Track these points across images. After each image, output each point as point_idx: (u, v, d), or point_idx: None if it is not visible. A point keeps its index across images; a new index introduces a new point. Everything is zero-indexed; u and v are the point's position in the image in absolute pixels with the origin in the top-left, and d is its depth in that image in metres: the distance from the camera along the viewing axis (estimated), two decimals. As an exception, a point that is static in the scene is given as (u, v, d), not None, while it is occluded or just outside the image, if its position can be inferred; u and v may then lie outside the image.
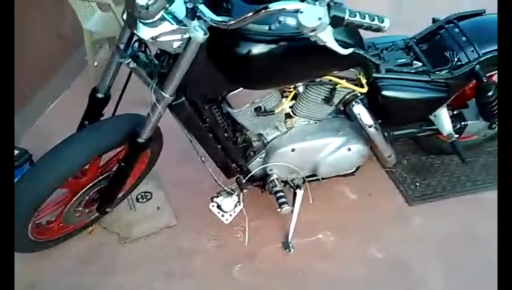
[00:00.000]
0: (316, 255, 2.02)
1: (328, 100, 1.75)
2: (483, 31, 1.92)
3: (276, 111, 1.71)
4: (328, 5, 1.26)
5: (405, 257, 2.00)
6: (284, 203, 1.86)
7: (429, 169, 2.38)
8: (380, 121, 1.90)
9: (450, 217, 2.15)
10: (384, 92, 1.80)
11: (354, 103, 1.80)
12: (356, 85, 1.75)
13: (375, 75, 1.80)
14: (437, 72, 1.86)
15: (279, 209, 1.87)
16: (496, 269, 1.84)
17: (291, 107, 1.80)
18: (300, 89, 1.68)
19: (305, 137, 1.86)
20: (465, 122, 2.09)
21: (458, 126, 2.10)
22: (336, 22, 1.27)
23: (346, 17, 1.28)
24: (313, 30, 1.24)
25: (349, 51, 1.34)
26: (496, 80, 2.00)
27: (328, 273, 1.96)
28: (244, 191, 1.90)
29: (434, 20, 2.04)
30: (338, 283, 1.92)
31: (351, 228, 2.12)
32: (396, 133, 2.00)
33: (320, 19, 1.22)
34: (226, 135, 1.76)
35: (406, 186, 2.30)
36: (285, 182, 2.00)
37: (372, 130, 1.84)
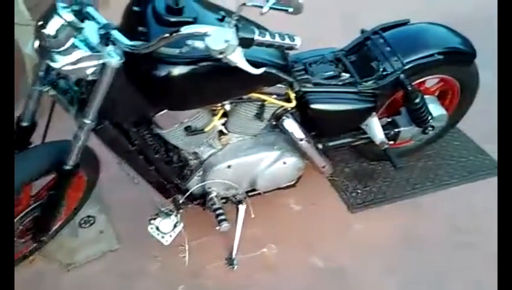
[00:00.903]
0: (260, 269, 2.03)
1: (258, 116, 1.77)
2: (407, 41, 2.00)
3: (206, 130, 1.71)
4: (237, 27, 1.28)
5: (345, 263, 2.04)
6: (222, 220, 1.87)
7: (371, 175, 2.44)
8: (312, 133, 1.94)
9: (389, 222, 2.20)
10: (312, 106, 1.83)
11: (284, 117, 1.83)
12: (285, 100, 1.78)
13: (303, 89, 1.83)
14: (363, 83, 1.91)
15: (218, 227, 1.87)
16: (434, 270, 1.92)
17: (224, 124, 1.82)
18: (228, 107, 1.69)
19: (240, 153, 1.87)
20: (398, 129, 2.15)
21: (392, 133, 2.16)
22: (245, 43, 1.29)
23: (255, 37, 1.30)
24: (222, 52, 1.25)
25: (261, 70, 1.36)
26: (421, 88, 2.08)
27: (272, 286, 1.97)
28: (181, 211, 1.89)
29: (362, 31, 2.10)
30: (281, 296, 1.94)
31: (295, 239, 2.15)
32: (330, 143, 2.04)
33: (227, 41, 1.24)
34: (157, 155, 1.75)
35: (348, 193, 2.34)
36: (227, 198, 2.01)
37: (303, 144, 1.88)
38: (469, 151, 2.55)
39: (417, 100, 1.97)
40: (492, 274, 1.94)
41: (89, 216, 2.26)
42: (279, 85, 1.74)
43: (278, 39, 1.34)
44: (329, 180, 2.41)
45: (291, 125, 1.84)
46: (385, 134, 2.13)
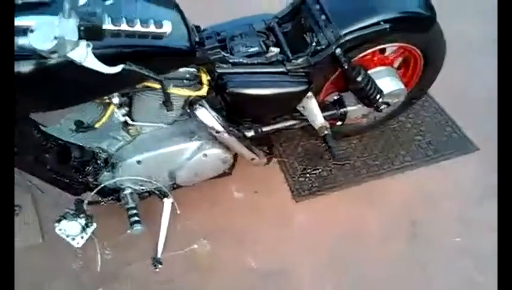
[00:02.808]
0: (186, 270, 1.85)
1: (166, 105, 1.50)
2: (345, 6, 1.66)
3: (96, 126, 1.46)
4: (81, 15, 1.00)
5: (282, 263, 1.84)
6: (135, 222, 1.66)
7: (323, 155, 2.17)
8: (239, 119, 1.68)
9: (336, 212, 1.98)
10: (230, 90, 1.56)
11: (197, 105, 1.56)
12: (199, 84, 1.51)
13: (219, 70, 1.55)
14: (294, 60, 1.61)
15: (129, 231, 1.67)
16: (381, 266, 1.70)
17: (128, 114, 1.56)
18: (116, 100, 1.42)
19: (152, 145, 1.63)
20: (345, 109, 1.86)
21: (338, 113, 1.87)
22: (91, 35, 1.01)
23: (106, 27, 1.02)
24: (53, 52, 0.98)
25: (118, 69, 1.09)
26: (365, 63, 1.76)
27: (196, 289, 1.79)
28: (88, 211, 1.68)
29: (299, -8, 1.75)
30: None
31: (230, 234, 1.94)
32: (264, 129, 1.77)
33: (57, 38, 0.96)
34: (48, 155, 1.52)
35: (296, 178, 2.10)
36: (149, 192, 1.79)
37: (221, 135, 1.61)
38: (438, 125, 2.24)
39: (359, 78, 1.67)
40: (448, 271, 1.73)
41: (15, 205, 2.08)
42: (186, 69, 1.47)
43: (138, 27, 1.06)
44: (278, 162, 2.16)
45: (204, 115, 1.57)
46: (331, 114, 1.85)
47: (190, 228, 1.95)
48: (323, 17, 1.61)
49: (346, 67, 1.60)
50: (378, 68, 1.85)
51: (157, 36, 1.09)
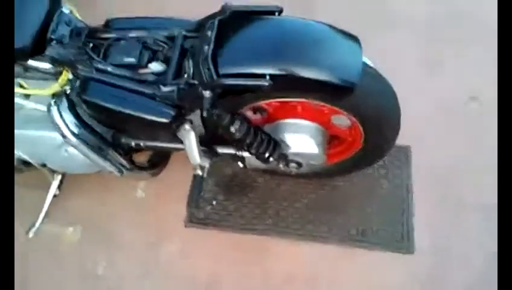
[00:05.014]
0: (46, 250, 1.84)
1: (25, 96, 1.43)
2: (240, 42, 1.34)
3: None
4: None
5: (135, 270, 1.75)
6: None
7: (247, 189, 1.91)
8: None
9: (211, 256, 1.76)
10: (85, 96, 1.41)
11: (52, 102, 1.44)
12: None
13: (83, 73, 1.39)
14: (163, 87, 1.37)
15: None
16: None
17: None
18: None
19: (22, 124, 1.57)
20: (242, 154, 1.58)
21: (238, 155, 1.60)
22: None
23: None
24: None
25: None
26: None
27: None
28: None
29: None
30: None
31: (103, 231, 1.87)
32: (133, 143, 1.60)
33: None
34: None
35: (201, 199, 1.89)
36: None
37: (71, 141, 1.48)
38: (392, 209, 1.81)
39: (232, 129, 1.39)
40: None
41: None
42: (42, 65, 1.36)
43: None
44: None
45: (56, 115, 1.45)
46: (229, 153, 1.60)
47: (73, 212, 1.92)
48: (210, 46, 1.32)
49: (205, 114, 1.33)
50: (296, 121, 1.52)
51: None
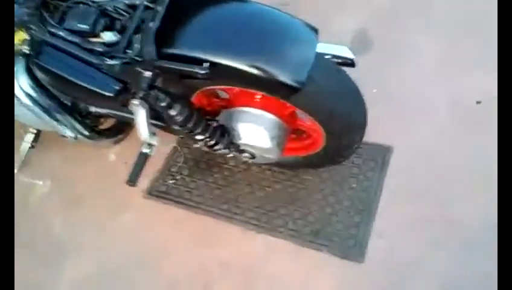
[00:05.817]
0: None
1: None
2: (189, 21, 1.27)
3: None
4: None
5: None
6: None
7: (215, 168, 1.87)
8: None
9: (168, 227, 1.75)
10: (36, 59, 1.40)
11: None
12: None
13: (37, 36, 1.37)
14: (108, 60, 1.32)
15: None
16: None
17: None
18: None
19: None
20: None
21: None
22: None
23: None
24: None
25: None
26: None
27: None
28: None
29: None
30: None
31: (71, 188, 1.93)
32: (92, 109, 1.58)
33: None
34: None
35: (165, 173, 1.88)
36: None
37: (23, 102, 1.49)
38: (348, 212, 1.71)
39: (172, 112, 1.34)
40: None
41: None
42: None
43: None
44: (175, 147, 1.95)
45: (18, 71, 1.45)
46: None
47: (47, 165, 1.98)
48: (156, 23, 1.25)
49: (140, 94, 1.27)
50: (251, 110, 1.44)
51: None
